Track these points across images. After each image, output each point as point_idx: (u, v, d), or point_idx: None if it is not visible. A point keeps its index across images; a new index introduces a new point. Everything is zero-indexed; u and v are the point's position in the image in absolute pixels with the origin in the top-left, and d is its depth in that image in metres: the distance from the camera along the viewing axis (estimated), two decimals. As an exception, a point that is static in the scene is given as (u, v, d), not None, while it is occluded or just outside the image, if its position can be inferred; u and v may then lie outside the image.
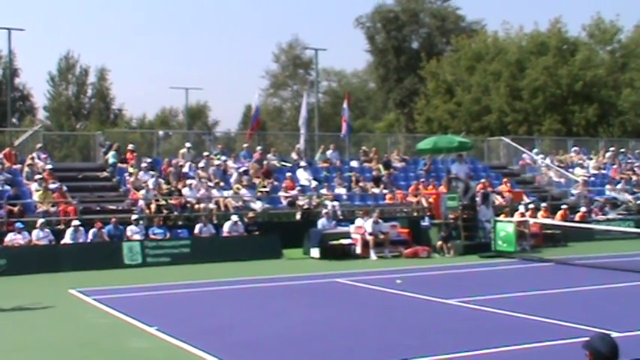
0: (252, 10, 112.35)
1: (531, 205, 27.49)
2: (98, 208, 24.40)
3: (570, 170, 34.86)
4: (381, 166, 31.25)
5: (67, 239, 21.53)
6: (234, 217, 23.79)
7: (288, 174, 28.28)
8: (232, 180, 27.19)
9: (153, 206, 24.44)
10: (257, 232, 23.86)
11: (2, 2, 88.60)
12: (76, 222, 21.95)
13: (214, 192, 26.01)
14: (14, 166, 25.95)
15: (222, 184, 26.58)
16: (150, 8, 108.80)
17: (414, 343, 10.90)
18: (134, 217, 22.98)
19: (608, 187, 33.40)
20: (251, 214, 24.68)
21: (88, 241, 21.67)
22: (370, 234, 23.29)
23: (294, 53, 75.11)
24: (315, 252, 23.23)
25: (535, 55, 51.83)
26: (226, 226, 23.57)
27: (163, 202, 24.78)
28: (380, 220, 23.90)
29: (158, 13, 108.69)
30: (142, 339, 11.39)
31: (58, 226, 22.70)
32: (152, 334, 11.55)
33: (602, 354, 4.99)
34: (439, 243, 23.74)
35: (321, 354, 10.38)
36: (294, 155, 31.35)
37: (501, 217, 24.61)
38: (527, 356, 10.10)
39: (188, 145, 30.00)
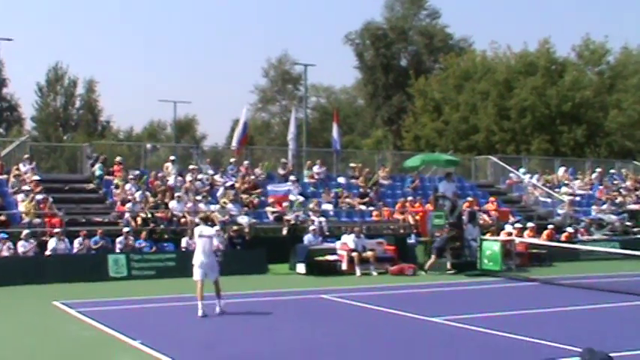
0: (241, 25, 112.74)
1: (518, 225, 27.57)
2: (84, 220, 24.32)
3: (557, 190, 34.97)
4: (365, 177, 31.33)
5: (50, 248, 21.38)
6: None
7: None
8: (219, 194, 27.11)
9: (139, 219, 24.34)
10: (239, 247, 23.69)
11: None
12: (57, 230, 21.85)
13: (201, 206, 25.92)
14: (0, 177, 25.79)
15: (209, 198, 26.50)
16: (139, 21, 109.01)
17: (399, 360, 10.89)
18: (126, 229, 22.83)
19: (594, 207, 33.56)
20: (235, 228, 24.55)
21: (74, 251, 21.58)
22: (352, 250, 23.27)
23: (284, 68, 75.28)
24: (300, 267, 23.18)
25: (523, 75, 52.07)
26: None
27: (150, 216, 24.68)
28: (362, 235, 23.94)
29: (148, 26, 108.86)
30: (125, 353, 11.33)
31: (44, 238, 22.53)
32: (136, 348, 11.48)
33: None
34: (431, 259, 23.36)
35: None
36: (281, 170, 31.33)
37: (487, 236, 24.62)
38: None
39: (172, 157, 29.92)
